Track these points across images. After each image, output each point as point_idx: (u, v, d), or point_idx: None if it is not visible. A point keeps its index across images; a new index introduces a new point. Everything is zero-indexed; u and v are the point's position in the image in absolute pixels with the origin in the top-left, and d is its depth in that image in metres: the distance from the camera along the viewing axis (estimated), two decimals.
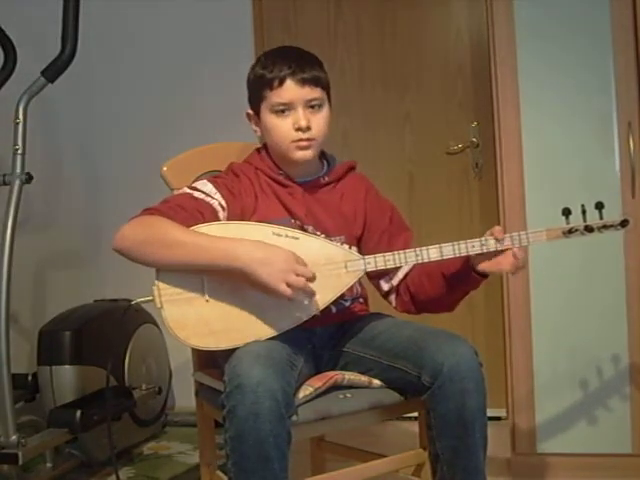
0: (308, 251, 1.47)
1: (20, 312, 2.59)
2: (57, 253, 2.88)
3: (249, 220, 1.59)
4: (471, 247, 1.51)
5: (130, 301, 1.55)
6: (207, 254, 1.43)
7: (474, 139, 2.78)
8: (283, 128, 1.60)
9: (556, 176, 2.15)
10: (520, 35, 2.15)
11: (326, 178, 1.70)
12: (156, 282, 1.47)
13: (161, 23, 2.98)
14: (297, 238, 1.50)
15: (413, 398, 1.55)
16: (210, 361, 1.70)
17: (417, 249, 1.51)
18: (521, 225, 2.11)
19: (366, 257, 1.52)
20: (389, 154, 2.87)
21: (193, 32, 2.96)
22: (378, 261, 1.52)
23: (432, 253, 1.51)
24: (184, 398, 2.83)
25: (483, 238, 1.51)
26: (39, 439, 2.08)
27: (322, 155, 1.73)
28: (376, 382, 1.59)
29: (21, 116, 2.07)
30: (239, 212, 1.60)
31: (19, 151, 2.08)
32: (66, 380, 2.29)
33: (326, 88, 1.64)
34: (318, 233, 1.61)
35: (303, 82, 1.58)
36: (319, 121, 1.61)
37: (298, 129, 1.58)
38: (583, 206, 1.49)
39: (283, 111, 1.59)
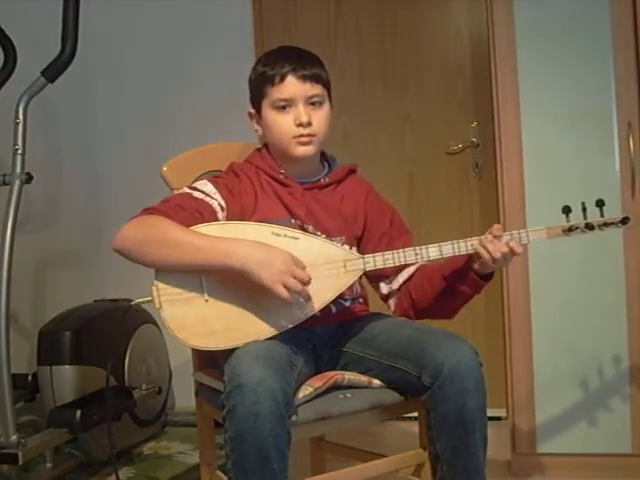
0: (307, 251, 1.48)
1: (20, 312, 2.59)
2: (57, 253, 2.88)
3: (249, 219, 1.59)
4: (470, 245, 1.51)
5: (130, 301, 1.55)
6: (206, 254, 1.44)
7: (474, 139, 2.78)
8: (284, 124, 1.61)
9: (556, 176, 2.15)
10: (520, 35, 2.15)
11: (326, 179, 1.70)
12: (155, 282, 1.47)
13: (161, 23, 2.98)
14: (297, 238, 1.50)
15: (413, 398, 1.55)
16: (210, 361, 1.70)
17: (417, 248, 1.52)
18: (521, 225, 2.11)
19: (365, 256, 1.52)
20: (389, 154, 2.87)
21: (193, 32, 2.96)
22: (377, 260, 1.52)
23: (432, 252, 1.52)
24: (184, 398, 2.83)
25: (482, 237, 1.51)
26: (39, 439, 2.08)
27: (323, 156, 1.73)
28: (376, 382, 1.59)
29: (21, 116, 2.07)
30: (239, 212, 1.60)
31: (19, 151, 2.08)
32: (66, 380, 2.29)
33: (327, 86, 1.65)
34: (318, 233, 1.61)
35: (304, 78, 1.60)
36: (320, 117, 1.62)
37: (299, 124, 1.59)
38: (583, 204, 1.49)
39: (284, 107, 1.60)
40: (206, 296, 1.47)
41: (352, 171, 1.75)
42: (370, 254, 1.53)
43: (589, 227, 1.51)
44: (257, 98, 1.65)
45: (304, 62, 1.61)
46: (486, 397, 1.46)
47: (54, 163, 2.87)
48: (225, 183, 1.63)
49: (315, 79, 1.61)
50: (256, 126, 1.69)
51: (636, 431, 2.13)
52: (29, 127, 2.09)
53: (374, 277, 1.70)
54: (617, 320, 2.12)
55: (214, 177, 1.68)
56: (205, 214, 1.54)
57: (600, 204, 1.50)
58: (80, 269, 2.97)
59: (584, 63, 2.12)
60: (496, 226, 1.51)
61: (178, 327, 1.47)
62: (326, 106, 1.64)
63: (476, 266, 1.55)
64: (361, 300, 1.73)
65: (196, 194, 1.59)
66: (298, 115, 1.59)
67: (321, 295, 1.48)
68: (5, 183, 2.09)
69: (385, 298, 1.73)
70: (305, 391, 1.50)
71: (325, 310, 1.54)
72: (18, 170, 2.07)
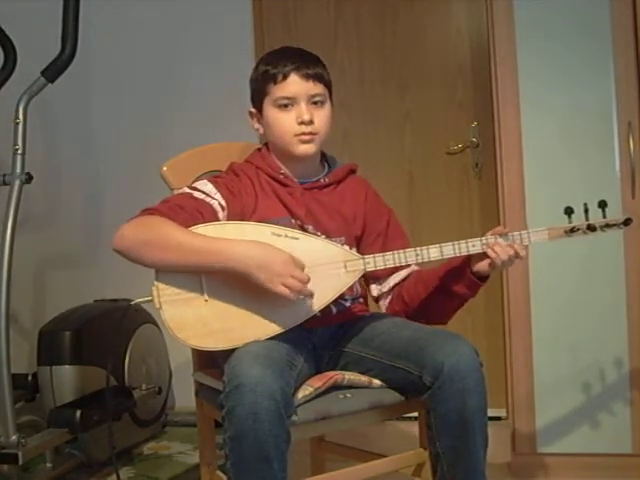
0: (308, 251, 1.48)
1: (20, 312, 2.59)
2: (57, 253, 2.88)
3: (249, 219, 1.59)
4: (472, 246, 1.51)
5: (130, 301, 1.55)
6: (206, 256, 1.44)
7: (474, 139, 2.78)
8: (286, 122, 1.61)
9: (556, 176, 2.15)
10: (520, 35, 2.15)
11: (326, 179, 1.70)
12: (155, 282, 1.47)
13: (161, 23, 2.98)
14: (297, 238, 1.50)
15: (413, 398, 1.55)
16: (210, 361, 1.70)
17: (417, 248, 1.52)
18: (521, 225, 2.11)
19: (366, 257, 1.52)
20: (389, 154, 2.86)
21: (193, 32, 2.96)
22: (378, 261, 1.52)
23: (432, 253, 1.51)
24: (184, 398, 2.83)
25: (484, 237, 1.51)
26: (39, 439, 2.08)
27: (323, 157, 1.73)
28: (376, 382, 1.59)
29: (21, 116, 2.07)
30: (239, 211, 1.60)
31: (19, 151, 2.08)
32: (66, 380, 2.29)
33: (328, 86, 1.66)
34: (318, 233, 1.61)
35: (307, 77, 1.60)
36: (321, 117, 1.62)
37: (301, 123, 1.60)
38: (586, 205, 1.49)
39: (286, 105, 1.60)
40: (206, 296, 1.47)
41: (352, 171, 1.75)
42: (370, 255, 1.53)
43: (591, 228, 1.50)
44: (258, 97, 1.65)
45: (307, 61, 1.62)
46: (486, 397, 1.46)
47: (54, 163, 2.87)
48: (225, 183, 1.63)
49: (318, 78, 1.62)
50: (257, 125, 1.69)
51: (636, 431, 2.13)
52: (29, 127, 2.09)
53: (365, 278, 1.70)
54: (617, 320, 2.12)
55: (214, 177, 1.68)
56: (206, 214, 1.54)
57: (602, 205, 1.49)
58: (80, 269, 2.97)
59: (584, 63, 2.12)
60: (499, 229, 1.53)
61: (178, 327, 1.46)
62: (327, 106, 1.64)
63: (474, 268, 1.55)
64: (361, 300, 1.73)
65: (196, 194, 1.59)
66: (300, 113, 1.60)
67: (321, 295, 1.48)
68: (5, 183, 2.10)
69: (376, 300, 1.74)
70: (305, 391, 1.50)
71: (325, 310, 1.54)
72: (18, 170, 2.07)
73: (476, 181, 2.80)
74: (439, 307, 1.64)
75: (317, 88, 1.62)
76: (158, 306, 1.46)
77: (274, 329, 1.47)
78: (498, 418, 2.61)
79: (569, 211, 1.49)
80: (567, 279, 2.16)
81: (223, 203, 1.59)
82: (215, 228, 1.50)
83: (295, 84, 1.60)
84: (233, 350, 1.43)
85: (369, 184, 1.78)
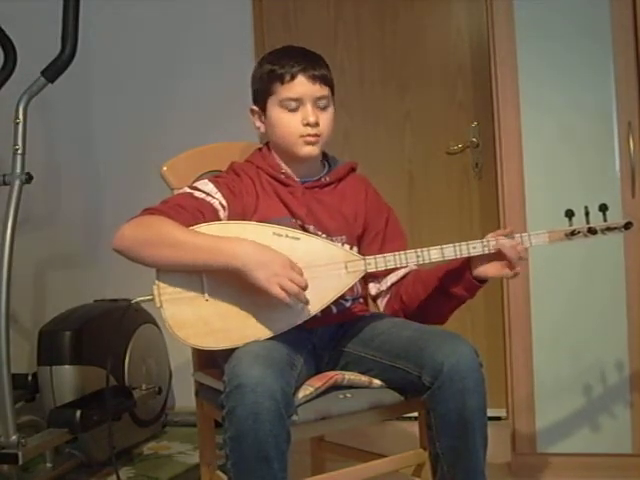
0: (309, 251, 1.48)
1: (20, 312, 2.59)
2: (57, 253, 2.88)
3: (250, 219, 1.59)
4: (472, 248, 1.51)
5: (130, 301, 1.55)
6: (205, 254, 1.44)
7: (474, 139, 2.78)
8: (291, 123, 1.61)
9: (556, 176, 2.15)
10: (520, 35, 2.15)
11: (327, 178, 1.70)
12: (156, 281, 1.47)
13: (161, 23, 2.98)
14: (298, 238, 1.50)
15: (413, 398, 1.55)
16: (210, 361, 1.70)
17: (418, 250, 1.51)
18: (521, 225, 2.11)
19: (367, 257, 1.52)
20: (389, 154, 2.86)
21: (193, 32, 2.96)
22: (379, 262, 1.52)
23: (433, 254, 1.51)
24: (184, 398, 2.83)
25: (485, 239, 1.51)
26: (39, 439, 2.08)
27: (323, 156, 1.73)
28: (376, 382, 1.59)
29: (21, 116, 2.07)
30: (240, 211, 1.60)
31: (19, 151, 2.08)
32: (66, 380, 2.29)
33: (332, 88, 1.66)
34: (319, 233, 1.61)
35: (314, 79, 1.61)
36: (325, 119, 1.63)
37: (307, 124, 1.60)
38: (586, 208, 1.47)
39: (292, 106, 1.60)
40: (206, 296, 1.47)
41: (352, 169, 1.75)
42: (371, 255, 1.53)
43: (592, 231, 1.49)
44: (262, 96, 1.64)
45: (313, 63, 1.62)
46: (486, 397, 1.45)
47: (54, 163, 2.87)
48: (226, 182, 1.63)
49: (323, 80, 1.62)
50: (258, 123, 1.69)
51: (636, 431, 2.13)
52: (29, 127, 2.09)
53: (363, 277, 1.70)
54: (617, 320, 2.12)
55: (215, 177, 1.68)
56: (206, 214, 1.54)
57: (603, 208, 1.48)
58: (80, 269, 2.97)
59: (584, 63, 2.12)
60: (500, 230, 1.53)
61: (178, 326, 1.46)
62: (331, 109, 1.65)
63: (474, 272, 1.55)
64: (361, 300, 1.73)
65: (197, 194, 1.59)
66: (306, 115, 1.60)
67: (322, 296, 1.48)
68: (5, 183, 2.10)
69: (374, 298, 1.74)
70: (305, 391, 1.50)
71: (326, 310, 1.54)
72: (18, 170, 2.07)
73: (476, 181, 2.80)
74: (437, 307, 1.64)
75: (323, 90, 1.62)
76: (159, 305, 1.46)
77: (274, 329, 1.47)
78: (498, 418, 2.61)
79: (570, 214, 1.48)
80: (567, 279, 2.16)
81: (224, 203, 1.59)
82: (218, 227, 1.50)
83: (302, 85, 1.60)
84: (233, 350, 1.43)
85: (369, 182, 1.78)
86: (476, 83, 2.75)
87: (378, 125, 2.88)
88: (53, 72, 2.09)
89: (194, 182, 1.68)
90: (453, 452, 1.46)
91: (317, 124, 1.60)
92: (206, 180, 1.64)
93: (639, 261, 2.11)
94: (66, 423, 2.12)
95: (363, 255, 1.55)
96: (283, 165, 1.67)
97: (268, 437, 1.32)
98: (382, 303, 1.72)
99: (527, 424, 2.19)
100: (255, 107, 1.68)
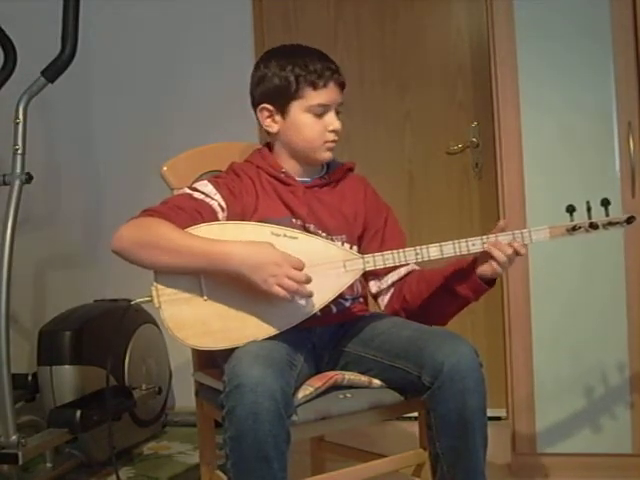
0: (306, 251, 1.47)
1: (20, 312, 2.59)
2: (57, 253, 2.88)
3: (250, 219, 1.59)
4: (472, 245, 1.50)
5: (130, 301, 1.55)
6: (201, 258, 1.44)
7: (474, 139, 2.78)
8: (317, 128, 1.62)
9: (556, 176, 2.15)
10: (520, 35, 2.15)
11: (326, 178, 1.70)
12: (154, 283, 1.47)
13: (161, 23, 2.98)
14: (296, 238, 1.50)
15: (413, 398, 1.55)
16: (210, 361, 1.70)
17: (417, 247, 1.51)
18: (521, 225, 2.11)
19: (365, 256, 1.52)
20: (389, 154, 2.86)
21: (193, 32, 2.96)
22: (377, 260, 1.51)
23: (432, 252, 1.51)
24: (184, 398, 2.83)
25: (485, 236, 1.51)
26: (39, 439, 2.08)
27: None
28: (376, 382, 1.59)
29: (21, 116, 2.07)
30: (240, 211, 1.60)
31: (19, 151, 2.08)
32: (66, 380, 2.29)
33: None
34: (320, 232, 1.62)
35: (341, 85, 1.63)
36: (341, 124, 1.64)
37: (332, 131, 1.62)
38: (588, 203, 1.47)
39: (320, 112, 1.61)
40: (205, 296, 1.47)
41: (350, 169, 1.75)
42: (370, 254, 1.53)
43: (593, 227, 1.48)
44: (285, 97, 1.61)
45: (336, 67, 1.63)
46: (486, 397, 1.45)
47: (54, 163, 2.87)
48: (226, 183, 1.63)
49: (344, 86, 1.65)
50: (269, 122, 1.66)
51: (636, 431, 2.12)
52: (29, 127, 2.09)
53: (364, 275, 1.70)
54: (617, 320, 2.12)
55: (214, 177, 1.68)
56: (205, 214, 1.54)
57: (605, 203, 1.47)
58: (80, 269, 2.97)
59: (584, 63, 2.12)
60: (501, 223, 1.52)
61: (177, 327, 1.47)
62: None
63: (478, 271, 1.55)
64: (361, 300, 1.73)
65: (196, 195, 1.59)
66: (332, 121, 1.62)
67: (320, 295, 1.48)
68: (5, 183, 2.10)
69: (374, 297, 1.74)
70: (305, 391, 1.50)
71: (325, 310, 1.54)
72: (18, 170, 2.08)
73: (476, 181, 2.80)
74: (440, 307, 1.64)
75: (342, 96, 1.64)
76: (157, 305, 1.47)
77: (273, 329, 1.47)
78: (498, 418, 2.62)
79: (571, 209, 1.48)
80: (567, 279, 2.16)
81: (223, 204, 1.59)
82: (217, 228, 1.51)
83: (332, 92, 1.61)
84: (233, 350, 1.43)
85: (367, 181, 1.78)
86: (476, 83, 2.75)
87: (378, 125, 2.88)
88: (53, 72, 2.09)
89: (194, 182, 1.68)
90: (453, 452, 1.46)
91: (339, 131, 1.63)
92: (205, 181, 1.64)
93: (639, 261, 2.11)
94: (66, 423, 2.12)
95: (363, 254, 1.55)
96: (283, 165, 1.67)
97: (268, 437, 1.32)
98: (383, 301, 1.72)
99: (527, 424, 2.19)
100: (269, 106, 1.64)
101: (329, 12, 2.90)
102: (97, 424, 2.17)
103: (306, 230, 1.60)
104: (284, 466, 1.36)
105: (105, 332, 2.40)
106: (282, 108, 1.63)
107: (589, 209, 1.48)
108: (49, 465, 2.24)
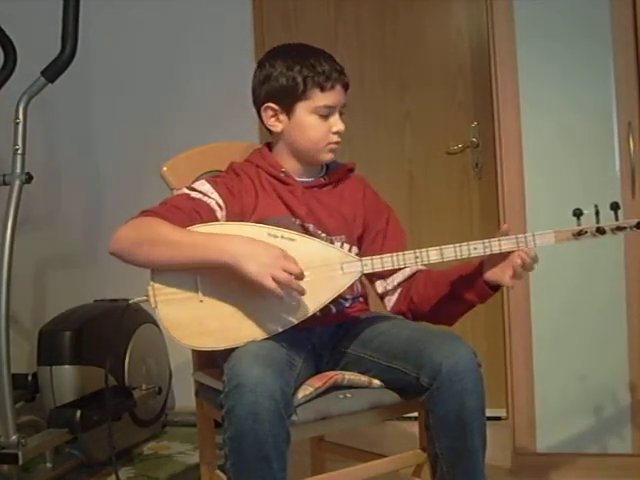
0: (304, 252, 1.47)
1: (20, 312, 2.59)
2: (57, 253, 2.88)
3: (249, 218, 1.59)
4: (473, 249, 1.48)
5: (129, 301, 1.55)
6: (197, 251, 1.44)
7: (474, 139, 2.78)
8: (321, 129, 1.62)
9: (556, 176, 2.15)
10: (520, 35, 2.15)
11: (326, 178, 1.70)
12: (151, 282, 1.47)
13: (161, 23, 2.98)
14: (293, 239, 1.49)
15: (412, 398, 1.55)
16: (210, 361, 1.70)
17: (417, 251, 1.50)
18: (521, 225, 2.12)
19: (363, 259, 1.51)
20: (389, 154, 2.87)
21: (193, 32, 2.96)
22: (375, 263, 1.50)
23: (432, 255, 1.49)
24: (184, 398, 2.83)
25: (487, 240, 1.49)
26: (39, 439, 2.08)
27: None
28: (376, 382, 1.59)
29: (21, 116, 2.07)
30: (238, 211, 1.60)
31: (19, 151, 2.08)
32: (66, 380, 2.30)
33: None
34: (319, 232, 1.61)
35: (346, 87, 1.64)
36: (344, 125, 1.65)
37: (336, 132, 1.62)
38: (596, 207, 1.43)
39: (325, 113, 1.61)
40: (201, 296, 1.47)
41: (350, 170, 1.75)
42: (368, 257, 1.52)
43: (600, 231, 1.44)
44: (291, 97, 1.61)
45: (342, 68, 1.63)
46: (485, 397, 1.45)
47: (54, 163, 2.87)
48: (225, 182, 1.63)
49: (348, 87, 1.65)
50: (273, 122, 1.65)
51: (636, 431, 2.13)
52: (29, 127, 2.09)
53: (370, 275, 1.69)
54: (617, 319, 2.12)
55: (213, 177, 1.68)
56: (203, 214, 1.54)
57: (615, 207, 1.44)
58: (80, 269, 2.97)
59: (584, 63, 2.13)
60: (504, 228, 1.51)
61: (173, 326, 1.47)
62: None
63: (484, 276, 1.54)
64: (361, 299, 1.72)
65: (194, 194, 1.59)
66: (336, 123, 1.62)
67: (316, 297, 1.47)
68: (5, 183, 2.10)
69: (381, 297, 1.73)
70: (305, 391, 1.50)
71: (325, 310, 1.53)
72: (18, 170, 2.08)
73: (476, 181, 2.80)
74: (447, 310, 1.63)
75: (346, 97, 1.64)
76: (154, 305, 1.47)
77: (270, 330, 1.46)
78: (498, 418, 2.62)
79: (578, 213, 1.44)
80: (567, 278, 2.16)
81: (221, 202, 1.59)
82: (215, 228, 1.50)
83: (338, 94, 1.61)
84: (233, 350, 1.43)
85: (367, 182, 1.78)
86: (476, 83, 2.75)
87: (378, 125, 2.88)
88: (53, 72, 2.09)
89: (193, 182, 1.68)
90: (452, 452, 1.46)
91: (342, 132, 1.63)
92: (203, 180, 1.64)
93: (639, 260, 2.11)
94: (66, 423, 2.12)
95: (364, 255, 1.55)
96: (283, 164, 1.67)
97: (268, 437, 1.32)
98: (390, 302, 1.71)
99: (527, 424, 2.19)
100: (274, 105, 1.63)
101: (329, 12, 2.90)
102: (97, 424, 2.17)
103: (305, 230, 1.60)
104: (284, 466, 1.36)
105: (105, 332, 2.40)
106: (287, 108, 1.62)
107: (597, 213, 1.44)
108: (49, 465, 2.24)
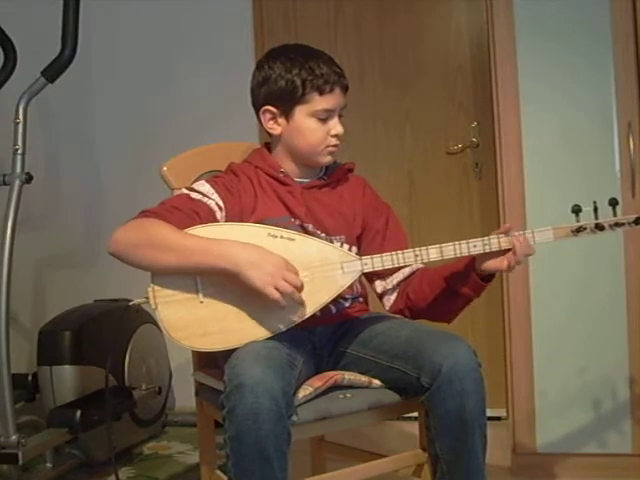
0: (304, 252, 1.47)
1: (20, 312, 2.59)
2: (57, 253, 2.88)
3: (249, 219, 1.59)
4: (473, 247, 1.48)
5: (130, 301, 1.55)
6: (198, 257, 1.43)
7: (474, 139, 2.78)
8: (320, 133, 1.61)
9: (556, 176, 2.15)
10: (520, 34, 2.15)
11: (325, 179, 1.70)
12: (151, 284, 1.47)
13: (161, 23, 2.99)
14: (293, 239, 1.49)
15: (412, 398, 1.55)
16: (210, 361, 1.70)
17: (417, 249, 1.50)
18: (521, 225, 2.11)
19: (363, 258, 1.51)
20: (389, 154, 2.87)
21: (193, 32, 2.96)
22: (375, 262, 1.50)
23: (432, 253, 1.49)
24: (184, 398, 2.83)
25: (486, 237, 1.50)
26: (39, 439, 2.08)
27: None
28: (376, 382, 1.59)
29: (21, 116, 2.07)
30: (238, 211, 1.60)
31: (19, 151, 2.08)
32: (66, 380, 2.29)
33: None
34: (318, 232, 1.61)
35: (345, 89, 1.63)
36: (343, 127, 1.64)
37: (335, 135, 1.61)
38: (595, 203, 1.44)
39: (324, 116, 1.60)
40: (201, 298, 1.47)
41: (350, 170, 1.75)
42: (368, 256, 1.52)
43: (599, 227, 1.44)
44: (290, 101, 1.60)
45: (341, 70, 1.62)
46: (485, 397, 1.45)
47: (54, 163, 2.87)
48: (224, 183, 1.63)
49: (347, 89, 1.64)
50: (272, 125, 1.65)
51: (636, 431, 2.13)
52: (29, 127, 2.09)
53: (369, 275, 1.70)
54: (617, 319, 2.12)
55: (213, 177, 1.67)
56: (202, 214, 1.54)
57: (613, 203, 1.44)
58: (80, 269, 2.97)
59: (584, 63, 2.13)
60: (504, 227, 1.51)
61: (173, 328, 1.47)
62: None
63: (482, 266, 1.53)
64: (361, 299, 1.72)
65: (193, 195, 1.58)
66: (335, 126, 1.61)
67: (317, 297, 1.47)
68: (5, 183, 2.09)
69: (379, 296, 1.73)
70: (305, 391, 1.50)
71: (325, 310, 1.54)
72: (18, 170, 2.07)
73: (476, 181, 2.80)
74: (444, 307, 1.63)
75: (345, 99, 1.63)
76: (154, 307, 1.47)
77: (270, 330, 1.46)
78: (498, 418, 2.62)
79: (576, 209, 1.45)
80: (567, 278, 2.16)
81: (220, 203, 1.59)
82: (215, 229, 1.50)
83: (337, 97, 1.61)
84: (233, 350, 1.43)
85: (366, 182, 1.78)
86: (476, 83, 2.75)
87: (378, 125, 2.88)
88: (53, 72, 2.09)
89: (193, 183, 1.68)
90: (452, 453, 1.46)
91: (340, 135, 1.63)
92: (203, 181, 1.64)
93: (639, 260, 2.11)
94: (66, 423, 2.12)
95: (363, 255, 1.55)
96: (282, 165, 1.67)
97: (268, 437, 1.32)
98: (388, 301, 1.71)
99: (527, 424, 2.19)
100: (273, 108, 1.63)
101: (329, 12, 2.90)
102: (97, 424, 2.17)
103: (305, 230, 1.60)
104: (284, 466, 1.36)
105: (105, 332, 2.40)
106: (286, 111, 1.62)
107: (596, 209, 1.45)
108: (49, 465, 2.24)
